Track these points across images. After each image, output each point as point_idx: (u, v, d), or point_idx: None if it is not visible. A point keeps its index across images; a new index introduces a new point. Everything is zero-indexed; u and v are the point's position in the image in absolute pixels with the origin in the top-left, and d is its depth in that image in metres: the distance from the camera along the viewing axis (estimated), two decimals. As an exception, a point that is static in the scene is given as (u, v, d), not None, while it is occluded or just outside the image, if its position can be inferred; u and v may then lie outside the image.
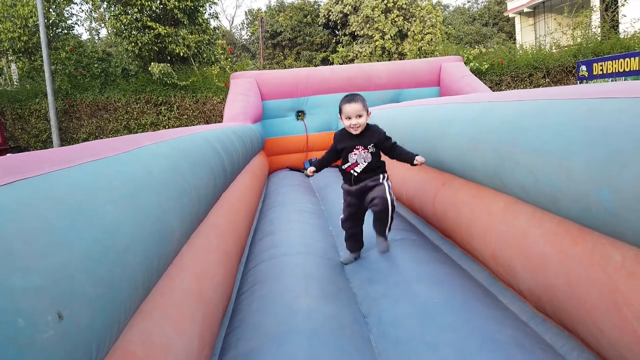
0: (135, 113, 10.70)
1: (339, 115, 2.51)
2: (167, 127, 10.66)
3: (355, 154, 2.47)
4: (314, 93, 7.00)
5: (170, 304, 1.49)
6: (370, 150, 2.46)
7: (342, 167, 2.54)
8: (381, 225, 2.51)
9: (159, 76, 10.38)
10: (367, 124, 2.49)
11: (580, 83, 8.83)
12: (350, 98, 2.43)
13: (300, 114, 7.18)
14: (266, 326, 1.86)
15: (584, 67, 8.73)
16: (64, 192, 0.92)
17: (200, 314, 1.68)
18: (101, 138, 10.71)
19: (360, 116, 2.41)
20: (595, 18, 13.50)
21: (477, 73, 9.83)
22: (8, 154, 9.90)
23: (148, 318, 1.29)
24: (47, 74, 10.07)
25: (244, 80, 6.86)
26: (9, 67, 14.73)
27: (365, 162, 2.47)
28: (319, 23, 23.08)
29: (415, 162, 2.51)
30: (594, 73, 8.43)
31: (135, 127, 10.69)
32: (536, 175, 1.68)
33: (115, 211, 1.08)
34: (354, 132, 2.45)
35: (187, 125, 10.56)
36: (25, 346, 0.64)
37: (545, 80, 10.04)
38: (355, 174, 2.49)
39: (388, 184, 2.47)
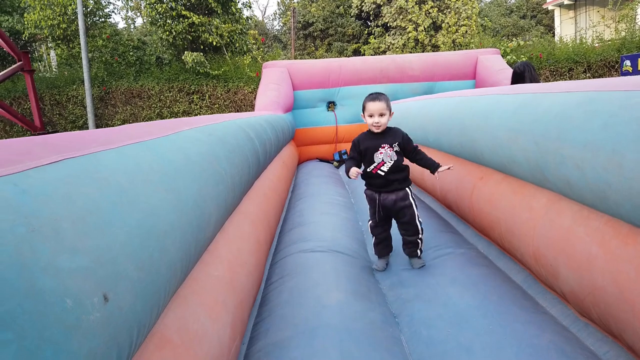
0: (168, 101, 10.86)
1: (362, 113, 2.50)
2: (198, 115, 10.78)
3: (380, 152, 2.42)
4: (346, 84, 6.93)
5: (205, 290, 1.49)
6: (395, 149, 2.43)
7: (367, 169, 2.46)
8: (413, 250, 2.51)
9: (192, 65, 10.49)
10: (388, 126, 2.47)
11: (623, 79, 8.45)
12: (374, 96, 2.42)
13: (330, 105, 7.14)
14: (296, 318, 1.85)
15: (628, 62, 8.35)
16: (108, 173, 0.91)
17: (233, 302, 1.68)
18: (135, 125, 10.92)
19: (382, 115, 2.39)
20: (641, 11, 12.91)
21: (514, 67, 9.54)
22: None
23: (184, 304, 1.29)
24: (84, 61, 10.32)
25: (276, 70, 6.85)
26: (48, 54, 15.16)
27: (391, 160, 2.42)
28: (352, 14, 22.85)
29: (437, 172, 2.48)
30: (639, 68, 8.06)
31: (168, 115, 10.86)
32: (583, 170, 1.59)
33: (156, 195, 1.07)
34: (376, 131, 2.43)
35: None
36: (72, 327, 0.63)
37: (586, 75, 9.67)
38: (382, 173, 2.42)
39: (415, 204, 2.48)
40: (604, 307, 1.56)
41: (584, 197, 1.68)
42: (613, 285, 1.49)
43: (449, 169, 2.48)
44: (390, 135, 2.46)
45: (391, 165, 2.42)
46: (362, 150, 2.46)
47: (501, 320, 1.77)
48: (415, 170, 4.40)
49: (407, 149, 2.49)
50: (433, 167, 2.49)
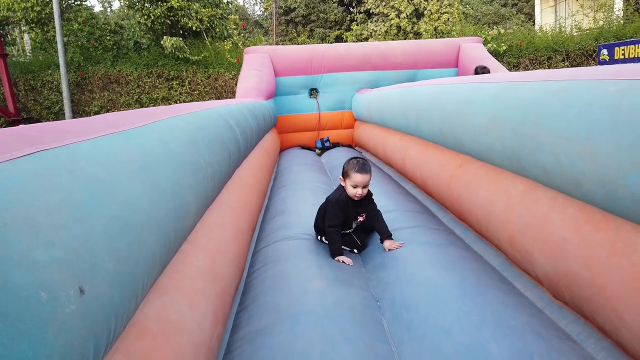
0: (146, 87, 10.66)
1: (340, 177, 2.43)
2: (178, 102, 10.63)
3: (359, 220, 2.51)
4: (329, 71, 6.89)
5: (185, 279, 1.49)
6: (368, 215, 2.54)
7: (343, 231, 2.49)
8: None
9: (171, 50, 10.29)
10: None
11: (600, 67, 8.59)
12: (362, 167, 2.33)
13: (313, 92, 7.10)
14: (279, 305, 1.86)
15: (605, 51, 8.49)
16: (84, 164, 0.90)
17: (214, 291, 1.68)
18: (113, 112, 10.71)
19: (366, 187, 2.39)
20: (619, 1, 13.11)
21: (495, 54, 9.62)
22: (20, 125, 9.96)
23: (164, 294, 1.29)
24: (59, 45, 10.03)
25: (257, 55, 6.76)
26: (22, 38, 14.69)
27: (361, 223, 2.55)
28: (334, 0, 22.67)
29: (384, 242, 2.41)
30: (615, 57, 8.21)
31: (147, 102, 10.67)
32: (558, 158, 1.63)
33: (134, 185, 1.06)
34: (356, 199, 2.41)
35: (198, 101, 10.51)
36: (48, 320, 0.63)
37: (564, 64, 9.80)
38: (349, 231, 2.53)
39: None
40: (577, 290, 1.61)
41: (559, 184, 1.72)
42: (585, 270, 1.54)
43: (396, 247, 2.37)
44: (365, 201, 2.50)
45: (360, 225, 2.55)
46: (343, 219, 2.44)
47: (479, 302, 1.80)
48: (396, 156, 4.43)
49: (371, 212, 2.54)
50: (384, 235, 2.45)
